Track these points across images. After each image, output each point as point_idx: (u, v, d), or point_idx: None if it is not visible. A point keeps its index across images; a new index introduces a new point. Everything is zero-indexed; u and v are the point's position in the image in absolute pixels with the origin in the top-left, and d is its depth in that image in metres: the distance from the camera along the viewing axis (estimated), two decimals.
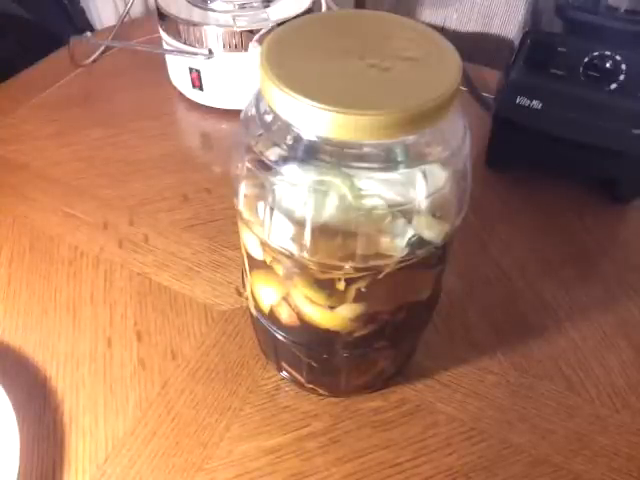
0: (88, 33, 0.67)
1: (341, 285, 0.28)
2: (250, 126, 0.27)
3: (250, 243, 0.31)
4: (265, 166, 0.26)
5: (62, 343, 0.41)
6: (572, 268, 0.47)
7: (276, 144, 0.26)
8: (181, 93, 0.63)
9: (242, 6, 0.57)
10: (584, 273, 0.47)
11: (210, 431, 0.36)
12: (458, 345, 0.41)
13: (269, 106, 0.25)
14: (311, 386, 0.38)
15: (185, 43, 0.57)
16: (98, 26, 0.82)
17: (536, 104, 0.47)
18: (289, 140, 0.26)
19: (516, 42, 0.50)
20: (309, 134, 0.25)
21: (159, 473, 0.35)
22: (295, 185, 0.26)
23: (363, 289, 0.28)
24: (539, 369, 0.40)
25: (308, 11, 0.58)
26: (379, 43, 0.27)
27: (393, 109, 0.23)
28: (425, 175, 0.26)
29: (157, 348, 0.41)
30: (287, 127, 0.25)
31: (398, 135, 0.24)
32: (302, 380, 0.38)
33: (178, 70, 0.61)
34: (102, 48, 0.68)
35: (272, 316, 0.33)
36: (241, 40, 0.55)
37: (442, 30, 0.76)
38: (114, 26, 0.67)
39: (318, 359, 0.35)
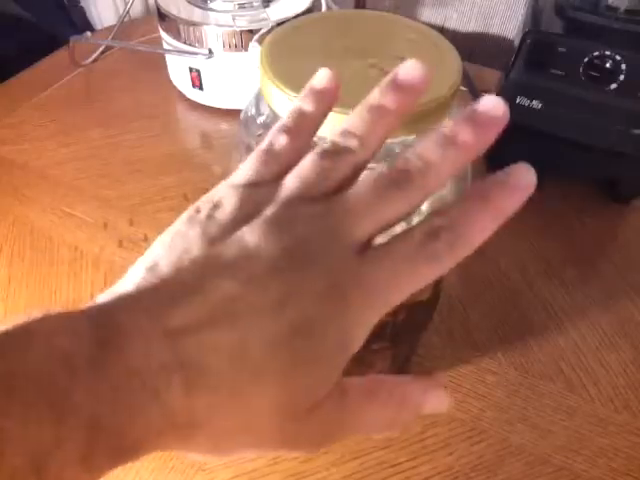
0: (88, 33, 0.67)
1: None
2: (250, 126, 0.27)
3: None
4: None
5: None
6: (572, 268, 0.47)
7: None
8: (181, 93, 0.63)
9: (242, 6, 0.57)
10: (584, 273, 0.47)
11: None
12: (458, 345, 0.41)
13: (269, 106, 0.25)
14: None
15: (185, 43, 0.57)
16: (98, 26, 0.83)
17: (536, 104, 0.47)
18: None
19: (516, 42, 0.50)
20: None
21: (159, 473, 0.35)
22: None
23: None
24: (539, 369, 0.40)
25: (308, 11, 0.58)
26: (379, 43, 0.27)
27: None
28: None
29: None
30: None
31: (398, 135, 0.24)
32: None
33: (178, 70, 0.61)
34: (102, 48, 0.68)
35: None
36: (241, 40, 0.55)
37: (442, 30, 0.76)
38: (114, 26, 0.67)
39: None
